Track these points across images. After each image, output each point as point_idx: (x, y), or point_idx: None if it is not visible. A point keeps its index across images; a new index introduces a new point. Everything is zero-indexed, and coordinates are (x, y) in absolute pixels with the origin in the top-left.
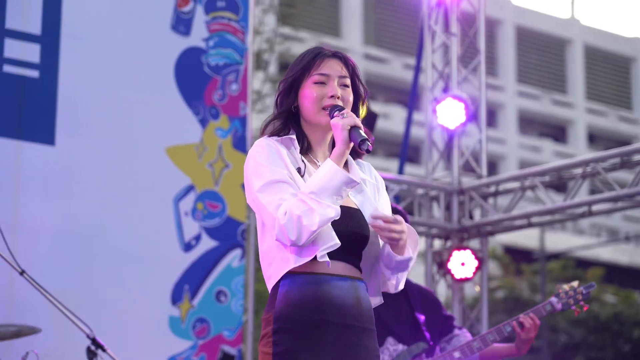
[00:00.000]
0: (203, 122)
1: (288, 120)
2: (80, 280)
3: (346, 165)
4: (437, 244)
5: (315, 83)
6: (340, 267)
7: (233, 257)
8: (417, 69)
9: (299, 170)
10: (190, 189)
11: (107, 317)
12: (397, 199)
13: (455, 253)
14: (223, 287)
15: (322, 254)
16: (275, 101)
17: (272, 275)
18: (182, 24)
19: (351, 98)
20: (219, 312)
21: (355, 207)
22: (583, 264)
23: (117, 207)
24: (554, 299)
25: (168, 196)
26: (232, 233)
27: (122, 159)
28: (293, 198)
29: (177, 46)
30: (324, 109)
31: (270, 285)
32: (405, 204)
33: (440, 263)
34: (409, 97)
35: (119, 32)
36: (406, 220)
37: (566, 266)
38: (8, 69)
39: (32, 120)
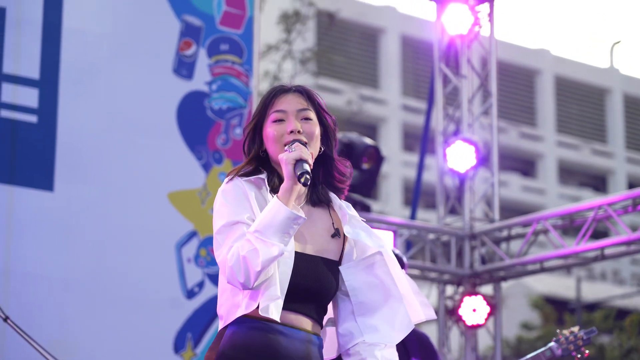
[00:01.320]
0: (206, 167)
1: (258, 165)
2: (79, 328)
3: (323, 206)
4: (449, 290)
5: (274, 121)
6: (295, 319)
7: None
8: (429, 113)
9: None
10: (193, 235)
11: None
12: (408, 244)
13: (467, 299)
14: None
15: (262, 306)
16: (242, 149)
17: (222, 316)
18: (184, 67)
19: (316, 130)
20: None
21: (322, 256)
22: (624, 314)
23: (118, 254)
24: (554, 345)
25: (170, 242)
26: None
27: (123, 204)
28: (242, 238)
29: (179, 90)
30: (285, 145)
31: (220, 325)
32: (416, 250)
33: (452, 309)
34: (421, 142)
35: (119, 75)
36: (402, 265)
37: (608, 316)
38: (5, 113)
39: (30, 165)
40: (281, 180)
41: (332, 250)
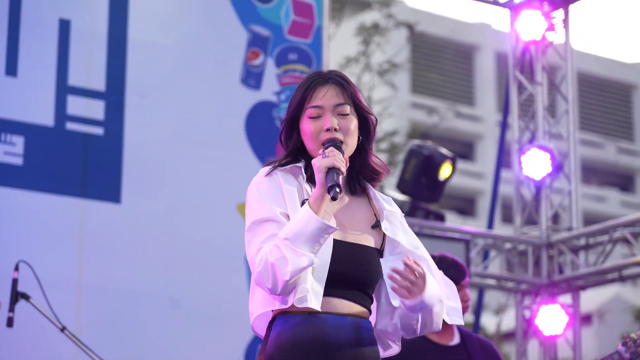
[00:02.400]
0: None
1: (297, 156)
2: (148, 342)
3: (363, 196)
4: (527, 300)
5: (311, 118)
6: (338, 304)
7: None
8: (504, 123)
9: (304, 202)
10: None
11: None
12: (486, 253)
13: (543, 308)
14: None
15: (299, 296)
16: (279, 140)
17: (255, 310)
18: (252, 78)
19: (352, 126)
20: None
21: (362, 244)
22: None
23: (187, 267)
24: (621, 348)
25: (239, 254)
26: None
27: (191, 216)
28: (271, 242)
29: (248, 100)
30: (322, 144)
31: (252, 319)
32: (493, 259)
33: (530, 320)
34: (497, 152)
35: (186, 87)
36: (465, 276)
37: None
38: (71, 126)
39: (97, 178)
40: None
41: (372, 239)
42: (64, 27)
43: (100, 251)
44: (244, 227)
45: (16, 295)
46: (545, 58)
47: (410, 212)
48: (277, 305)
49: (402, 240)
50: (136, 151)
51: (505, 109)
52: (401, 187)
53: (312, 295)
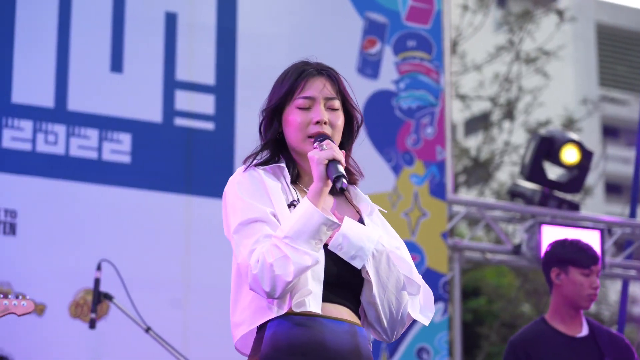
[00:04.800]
0: (396, 169)
1: (275, 149)
2: None
3: (341, 195)
4: None
5: (299, 108)
6: (334, 309)
7: (435, 312)
8: None
9: (292, 204)
10: None
11: None
12: (628, 243)
13: None
14: (425, 343)
15: (297, 301)
16: (259, 130)
17: (244, 322)
18: (369, 67)
19: (340, 122)
20: None
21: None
22: None
23: None
24: None
25: None
26: (433, 286)
27: None
28: (267, 242)
29: (365, 90)
30: (309, 137)
31: (238, 333)
32: (634, 248)
33: None
34: (637, 133)
35: None
36: (596, 262)
37: None
38: (180, 122)
39: (206, 173)
40: (300, 170)
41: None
42: (170, 20)
43: (208, 248)
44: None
45: (98, 296)
46: None
47: (541, 201)
48: (274, 313)
49: (384, 241)
50: (249, 146)
51: None
52: (524, 173)
53: (311, 298)
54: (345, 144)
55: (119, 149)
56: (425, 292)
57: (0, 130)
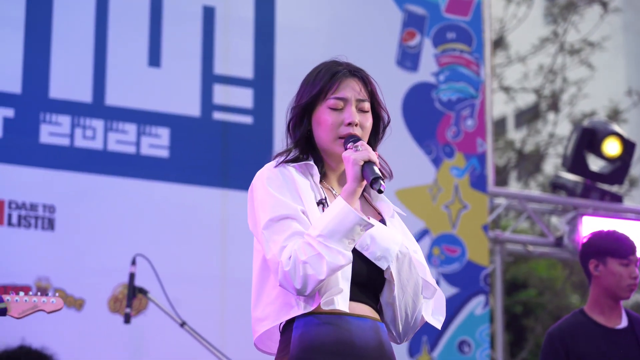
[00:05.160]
0: (436, 162)
1: (304, 147)
2: None
3: (361, 197)
4: None
5: (331, 108)
6: (357, 307)
7: (476, 305)
8: None
9: (320, 202)
10: (424, 233)
11: None
12: None
13: None
14: (466, 336)
15: (326, 300)
16: (287, 129)
17: (267, 317)
18: (408, 59)
19: (368, 124)
20: None
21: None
22: None
23: None
24: None
25: None
26: (474, 278)
27: None
28: (299, 240)
29: (404, 82)
30: (340, 137)
31: (260, 329)
32: None
33: None
34: None
35: None
36: (633, 252)
37: None
38: (218, 115)
39: (244, 167)
40: (327, 169)
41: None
42: (208, 14)
43: (244, 242)
44: (404, 214)
45: (133, 290)
46: None
47: (583, 193)
48: (301, 310)
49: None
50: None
51: None
52: (566, 164)
53: (340, 296)
54: (373, 144)
55: (157, 143)
56: (438, 295)
57: (38, 125)
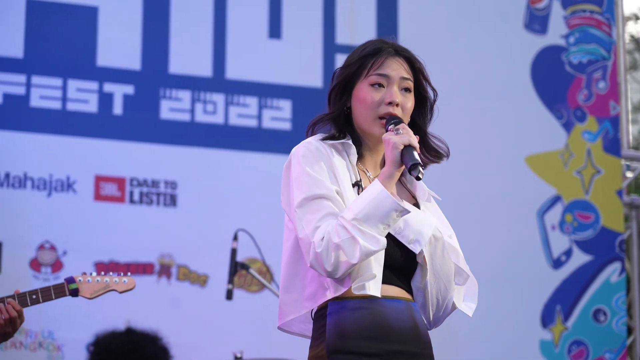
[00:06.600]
0: (567, 126)
1: (342, 124)
2: None
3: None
4: None
5: (372, 85)
6: (390, 289)
7: (611, 272)
8: None
9: (356, 184)
10: (556, 200)
11: (469, 343)
12: None
13: None
14: (602, 305)
15: (357, 285)
16: (327, 97)
17: (297, 300)
18: (536, 22)
19: (410, 104)
20: (598, 333)
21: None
22: None
23: (474, 224)
24: None
25: (531, 210)
26: (609, 245)
27: (476, 172)
28: (333, 221)
29: (533, 46)
30: (380, 117)
31: (289, 311)
32: None
33: None
34: None
35: (463, 36)
36: None
37: None
38: None
39: None
40: (364, 150)
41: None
42: None
43: None
44: (534, 180)
45: (235, 266)
46: None
47: None
48: (332, 293)
49: (440, 228)
50: None
51: None
52: None
53: (372, 282)
54: (421, 124)
55: (279, 116)
56: (471, 282)
57: (159, 101)
